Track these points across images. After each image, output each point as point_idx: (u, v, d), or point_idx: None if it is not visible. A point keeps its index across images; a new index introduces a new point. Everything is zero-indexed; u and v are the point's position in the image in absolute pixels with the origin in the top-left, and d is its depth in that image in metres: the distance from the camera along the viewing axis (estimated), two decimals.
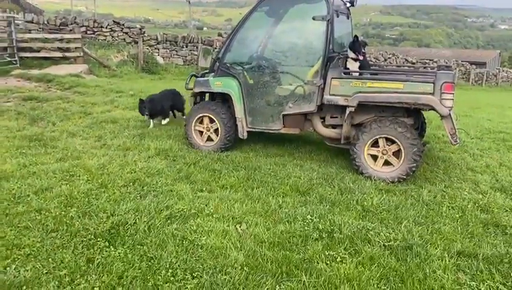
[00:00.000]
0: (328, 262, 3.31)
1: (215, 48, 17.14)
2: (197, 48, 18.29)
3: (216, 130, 6.33)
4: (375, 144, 5.43)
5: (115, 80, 13.11)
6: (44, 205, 4.07)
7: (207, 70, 6.88)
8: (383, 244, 3.62)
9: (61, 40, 14.58)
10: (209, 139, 6.43)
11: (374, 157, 5.47)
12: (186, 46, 18.54)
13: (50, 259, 3.17)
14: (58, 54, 14.11)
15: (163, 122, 7.91)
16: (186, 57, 18.51)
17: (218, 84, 6.22)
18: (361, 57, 5.86)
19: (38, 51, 14.09)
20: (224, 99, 6.42)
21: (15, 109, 8.30)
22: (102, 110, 8.63)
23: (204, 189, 4.82)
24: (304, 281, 3.03)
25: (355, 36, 6.04)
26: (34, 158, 5.47)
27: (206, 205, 4.31)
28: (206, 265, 3.20)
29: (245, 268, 3.17)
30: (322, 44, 5.59)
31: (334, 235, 3.73)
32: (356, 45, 5.83)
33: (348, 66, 5.89)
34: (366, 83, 5.40)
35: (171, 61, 18.06)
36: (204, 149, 6.29)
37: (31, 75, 11.95)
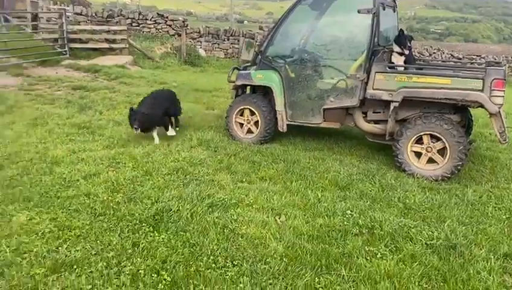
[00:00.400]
0: (368, 258, 3.29)
1: (257, 42, 17.18)
2: (238, 41, 18.39)
3: (256, 123, 6.39)
4: (419, 140, 5.31)
5: (159, 72, 13.43)
6: (93, 189, 4.27)
7: (249, 63, 6.94)
8: (425, 243, 3.55)
9: (108, 31, 15.07)
10: (249, 131, 6.49)
11: (418, 155, 5.35)
12: (228, 40, 18.68)
13: (98, 241, 3.33)
14: (105, 45, 14.60)
15: (169, 133, 6.34)
16: (227, 50, 18.65)
17: (259, 77, 6.26)
18: (406, 51, 5.73)
19: (87, 42, 14.63)
20: (265, 92, 6.45)
21: (65, 98, 8.70)
22: None
23: (244, 180, 4.89)
24: (343, 275, 3.04)
25: (401, 30, 5.91)
26: (82, 145, 5.72)
27: (246, 196, 4.37)
28: (246, 254, 3.26)
29: (284, 259, 3.21)
30: (366, 37, 5.51)
31: (375, 231, 3.70)
32: (402, 39, 5.71)
33: (392, 60, 5.77)
34: (412, 77, 5.28)
35: (213, 54, 18.26)
36: (244, 141, 6.36)
37: (80, 65, 12.46)
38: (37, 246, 3.20)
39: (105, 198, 4.08)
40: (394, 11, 6.52)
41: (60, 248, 3.21)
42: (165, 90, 7.05)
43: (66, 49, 13.80)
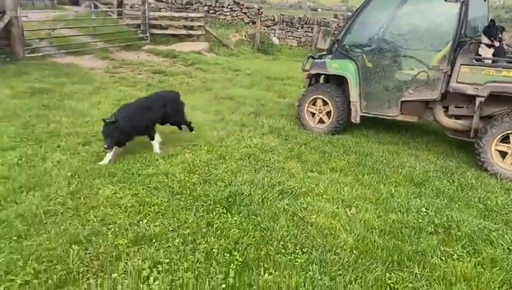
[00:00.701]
0: (444, 258, 3.17)
1: (334, 30, 16.86)
2: (312, 29, 18.14)
3: (328, 113, 6.32)
4: (505, 139, 4.95)
5: (233, 59, 13.68)
6: (171, 169, 4.49)
7: (324, 52, 6.86)
8: (507, 248, 3.34)
9: (186, 18, 15.57)
10: (321, 121, 6.44)
11: (503, 154, 5.00)
12: (302, 28, 18.49)
13: (175, 218, 3.52)
14: (183, 32, 15.12)
15: (156, 147, 5.08)
16: (300, 38, 18.48)
17: (335, 66, 6.17)
18: (497, 43, 5.34)
19: (166, 28, 15.23)
20: (339, 82, 6.35)
21: (145, 81, 9.18)
22: (221, 87, 9.11)
23: (314, 170, 4.88)
24: (416, 273, 2.95)
25: (492, 20, 5.50)
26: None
27: (316, 185, 4.37)
28: (316, 243, 3.28)
29: (354, 251, 3.18)
30: (453, 27, 5.20)
31: (451, 231, 3.54)
32: (492, 30, 5.33)
33: (479, 53, 5.41)
34: (502, 71, 4.91)
35: (286, 42, 18.20)
36: (315, 131, 6.33)
37: (159, 50, 13.03)
38: (120, 218, 3.45)
39: (182, 178, 4.28)
40: (485, 0, 6.09)
41: (140, 222, 3.44)
42: (166, 93, 5.80)
43: (147, 34, 14.49)
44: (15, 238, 3.03)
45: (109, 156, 4.68)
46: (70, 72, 9.21)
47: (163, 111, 5.30)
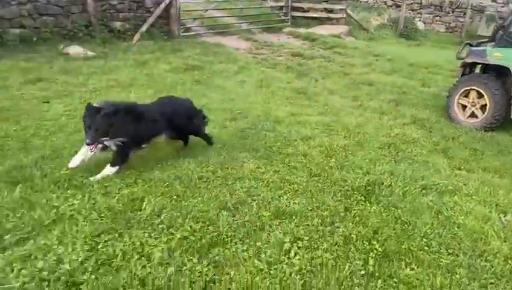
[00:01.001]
0: None
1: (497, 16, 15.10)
2: (464, 14, 16.48)
3: (483, 107, 5.75)
4: None
5: (372, 43, 13.18)
6: (309, 151, 4.57)
7: (483, 40, 6.21)
8: None
9: (327, 1, 15.40)
10: (472, 115, 5.89)
11: None
12: (453, 12, 16.92)
13: (314, 199, 3.57)
14: (324, 15, 15.00)
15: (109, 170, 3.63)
16: (449, 23, 16.95)
17: (497, 55, 5.55)
18: None
19: (307, 11, 15.28)
20: (498, 73, 5.70)
21: (285, 63, 9.40)
22: (360, 72, 8.88)
23: (462, 167, 4.53)
24: None
25: None
26: (299, 109, 6.13)
27: (464, 185, 4.04)
28: (463, 245, 3.04)
29: (509, 261, 2.88)
30: None
31: None
32: None
33: None
34: None
35: (432, 27, 16.88)
36: (463, 125, 5.83)
37: (299, 33, 13.18)
38: (263, 191, 3.61)
39: (319, 161, 4.33)
40: None
41: (281, 197, 3.55)
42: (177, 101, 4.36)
43: (289, 17, 14.72)
44: (175, 197, 3.40)
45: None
46: (218, 52, 9.86)
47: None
